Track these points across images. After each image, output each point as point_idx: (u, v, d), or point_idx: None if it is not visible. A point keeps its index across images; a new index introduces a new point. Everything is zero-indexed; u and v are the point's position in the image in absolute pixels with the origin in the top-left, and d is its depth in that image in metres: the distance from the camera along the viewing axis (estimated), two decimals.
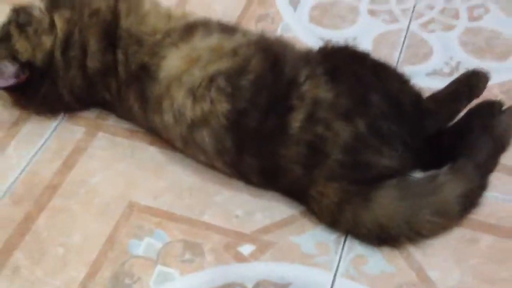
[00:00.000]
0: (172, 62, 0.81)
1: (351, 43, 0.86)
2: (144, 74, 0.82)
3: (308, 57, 0.80)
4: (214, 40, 0.82)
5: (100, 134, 0.91)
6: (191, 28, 0.84)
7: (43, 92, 0.89)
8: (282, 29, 1.07)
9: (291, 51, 0.82)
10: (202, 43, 0.82)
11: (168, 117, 0.80)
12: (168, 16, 0.87)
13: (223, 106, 0.77)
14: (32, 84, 0.88)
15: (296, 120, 0.74)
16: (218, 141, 0.78)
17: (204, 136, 0.78)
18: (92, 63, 0.86)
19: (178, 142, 0.83)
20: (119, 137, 0.90)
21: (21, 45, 0.87)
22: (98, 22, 0.87)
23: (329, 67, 0.76)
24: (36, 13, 0.89)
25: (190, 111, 0.78)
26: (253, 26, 1.07)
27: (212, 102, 0.77)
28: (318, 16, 1.09)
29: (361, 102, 0.74)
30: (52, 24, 0.89)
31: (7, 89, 0.89)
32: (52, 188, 0.84)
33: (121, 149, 0.89)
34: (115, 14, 0.87)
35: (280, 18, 1.09)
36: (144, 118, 0.85)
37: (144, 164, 0.87)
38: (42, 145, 0.90)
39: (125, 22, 0.86)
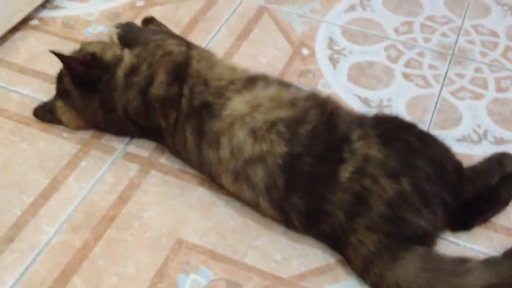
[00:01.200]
0: (237, 104, 0.91)
1: (386, 103, 0.96)
2: (206, 110, 0.92)
3: (361, 120, 0.91)
4: (273, 90, 0.93)
5: (153, 172, 0.99)
6: (252, 80, 0.95)
7: (100, 98, 0.98)
8: (322, 85, 1.15)
9: (343, 111, 0.93)
10: (263, 92, 0.93)
11: (225, 152, 0.89)
12: (233, 68, 0.99)
13: (281, 148, 0.86)
14: (91, 82, 0.97)
15: (346, 171, 0.84)
16: (270, 178, 0.86)
17: (258, 172, 0.87)
18: (156, 90, 0.95)
19: (228, 176, 0.91)
20: (170, 176, 0.98)
21: (92, 46, 1.02)
22: (169, 61, 0.97)
23: (381, 132, 0.87)
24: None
25: (250, 148, 0.88)
26: (295, 80, 1.16)
27: (271, 143, 0.87)
28: (356, 76, 1.18)
29: (408, 164, 0.84)
30: (121, 54, 1.01)
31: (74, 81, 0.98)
32: (108, 219, 0.92)
33: (171, 188, 0.97)
34: (187, 58, 0.98)
35: (320, 75, 1.18)
36: (196, 150, 0.94)
37: (192, 203, 0.95)
38: (100, 178, 0.98)
39: (196, 65, 0.96)
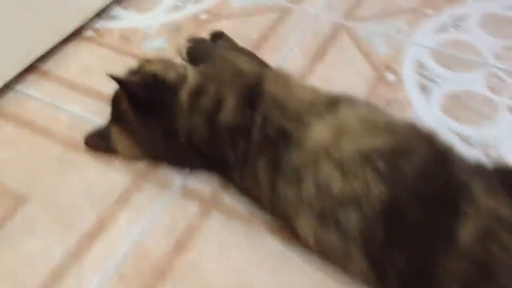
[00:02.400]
0: (319, 131, 0.75)
1: (490, 143, 0.79)
2: (282, 140, 0.77)
3: (481, 168, 0.74)
4: (362, 111, 0.77)
5: (215, 213, 0.85)
6: (336, 100, 0.80)
7: (162, 123, 0.84)
8: (412, 118, 1.00)
9: (457, 152, 0.75)
10: (349, 113, 0.77)
11: (308, 189, 0.73)
12: (314, 90, 0.83)
13: (379, 190, 0.69)
14: (153, 106, 0.84)
15: (467, 230, 0.66)
16: (367, 226, 0.69)
17: (351, 216, 0.70)
18: (225, 118, 0.81)
19: (309, 219, 0.75)
20: (235, 220, 0.84)
21: (151, 65, 0.88)
22: (240, 82, 0.83)
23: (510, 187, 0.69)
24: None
25: (338, 185, 0.71)
26: None
27: (366, 181, 0.70)
28: (451, 107, 1.01)
29: None
30: (185, 73, 0.88)
31: (132, 102, 0.85)
32: (161, 270, 0.78)
33: (236, 234, 0.82)
34: (260, 79, 0.83)
35: (409, 105, 1.02)
36: (269, 187, 0.78)
37: (260, 256, 0.80)
38: (154, 218, 0.84)
39: (271, 88, 0.82)
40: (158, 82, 0.85)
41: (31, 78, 1.05)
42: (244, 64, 0.88)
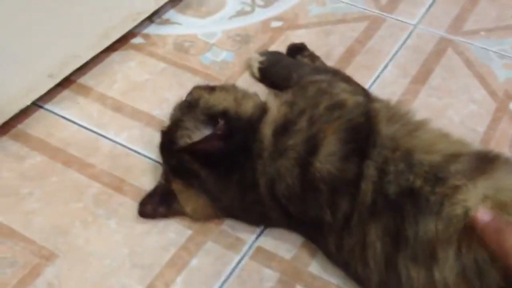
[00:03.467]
0: (472, 197, 0.53)
1: None
2: (411, 203, 0.55)
3: None
4: None
5: (298, 287, 0.64)
6: (485, 157, 0.57)
7: (240, 173, 0.63)
8: None
9: None
10: (508, 179, 0.54)
11: (445, 272, 0.52)
12: (445, 134, 0.61)
13: None
14: (230, 156, 0.63)
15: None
16: None
17: None
18: (323, 165, 0.59)
19: None
20: None
21: (215, 97, 0.67)
22: (343, 119, 0.61)
23: None
24: None
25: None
26: (506, 151, 0.78)
27: None
28: None
29: None
30: (264, 103, 0.68)
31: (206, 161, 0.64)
32: None
33: None
34: (370, 116, 0.62)
35: None
36: (384, 265, 0.56)
37: None
38: None
39: (386, 129, 0.60)
40: (232, 121, 0.64)
41: (66, 94, 0.85)
42: (345, 94, 0.66)
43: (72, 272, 0.64)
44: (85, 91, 0.85)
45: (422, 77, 0.89)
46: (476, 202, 0.52)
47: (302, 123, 0.62)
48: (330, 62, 0.90)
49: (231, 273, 0.65)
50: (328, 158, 0.59)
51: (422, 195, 0.54)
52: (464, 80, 0.88)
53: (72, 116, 0.82)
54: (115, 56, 0.91)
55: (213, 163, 0.63)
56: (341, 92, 0.67)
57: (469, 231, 0.51)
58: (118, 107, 0.83)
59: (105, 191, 0.72)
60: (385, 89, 0.86)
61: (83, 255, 0.66)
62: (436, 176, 0.55)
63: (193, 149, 0.63)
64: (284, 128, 0.63)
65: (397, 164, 0.57)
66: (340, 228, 0.60)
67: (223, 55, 0.92)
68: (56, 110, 0.83)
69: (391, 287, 0.57)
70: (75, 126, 0.80)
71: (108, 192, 0.72)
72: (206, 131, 0.64)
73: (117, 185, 0.72)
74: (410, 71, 0.89)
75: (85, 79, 0.87)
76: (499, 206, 0.52)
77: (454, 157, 0.56)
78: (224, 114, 0.64)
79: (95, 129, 0.80)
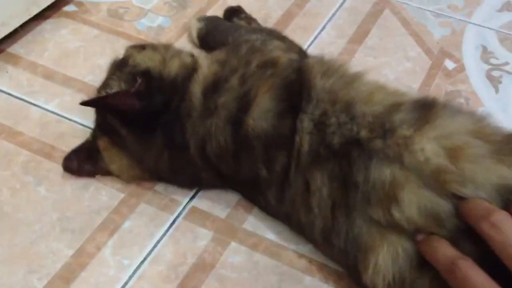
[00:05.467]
0: (426, 145, 0.52)
1: None
2: (358, 151, 0.54)
3: None
4: (465, 121, 0.54)
5: (234, 245, 0.63)
6: (424, 104, 0.56)
7: (164, 133, 0.62)
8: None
9: None
10: (451, 124, 0.54)
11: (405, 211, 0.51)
12: (381, 87, 0.60)
13: None
14: (152, 115, 0.62)
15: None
16: None
17: None
18: (257, 123, 0.58)
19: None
20: (261, 254, 0.62)
21: (142, 56, 0.65)
22: (276, 76, 0.60)
23: None
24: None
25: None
26: None
27: None
28: None
29: None
30: (194, 62, 0.66)
31: (123, 121, 0.62)
32: None
33: (264, 275, 0.60)
34: (302, 70, 0.61)
35: (477, 100, 0.80)
36: (331, 209, 0.55)
37: None
38: (152, 250, 0.62)
39: (321, 82, 0.59)
40: (154, 80, 0.62)
41: None
42: (277, 51, 0.66)
43: (0, 239, 0.63)
44: (15, 59, 0.83)
45: (359, 37, 0.89)
46: (433, 151, 0.51)
47: (234, 81, 0.61)
48: (268, 25, 0.89)
49: (164, 234, 0.64)
50: (261, 115, 0.58)
51: (370, 145, 0.53)
52: (400, 39, 0.89)
53: (1, 85, 0.79)
54: (46, 24, 0.88)
55: (131, 122, 0.61)
56: (274, 49, 0.66)
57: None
58: (49, 75, 0.81)
59: (35, 158, 0.70)
60: (323, 50, 0.86)
61: (11, 222, 0.64)
62: (383, 127, 0.54)
63: (101, 104, 0.61)
64: (214, 86, 0.61)
65: (338, 116, 0.56)
66: (280, 181, 0.59)
67: (159, 20, 0.90)
68: None
69: (336, 232, 0.56)
70: (4, 95, 0.78)
71: (37, 159, 0.70)
72: None
73: (47, 152, 0.70)
74: (347, 32, 0.89)
75: (15, 48, 0.84)
76: (455, 151, 0.51)
77: (395, 106, 0.56)
78: (146, 73, 0.62)
79: (24, 97, 0.77)
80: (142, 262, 0.61)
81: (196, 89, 0.62)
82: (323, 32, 0.89)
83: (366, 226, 0.53)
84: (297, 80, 0.60)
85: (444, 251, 0.48)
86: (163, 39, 0.87)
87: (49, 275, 0.60)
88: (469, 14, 0.93)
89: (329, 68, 0.61)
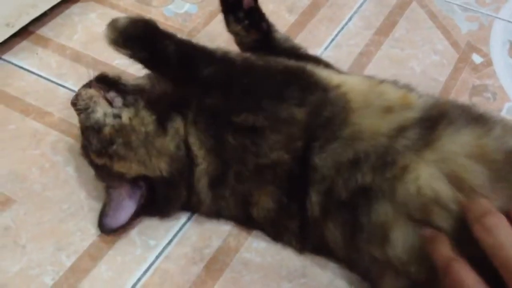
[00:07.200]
0: (421, 174, 0.51)
1: None
2: (363, 198, 0.54)
3: None
4: (469, 139, 0.52)
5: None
6: (431, 120, 0.54)
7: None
8: (508, 111, 0.77)
9: None
10: (453, 145, 0.52)
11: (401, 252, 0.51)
12: (386, 107, 0.56)
13: None
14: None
15: None
16: None
17: None
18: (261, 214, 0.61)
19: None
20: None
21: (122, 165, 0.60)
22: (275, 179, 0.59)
23: None
24: None
25: None
26: (466, 100, 0.79)
27: None
28: None
29: None
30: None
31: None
32: None
33: (289, 261, 0.62)
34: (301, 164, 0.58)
35: (503, 94, 0.79)
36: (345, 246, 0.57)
37: None
38: (177, 232, 0.64)
39: (324, 156, 0.56)
40: (153, 183, 0.62)
41: (24, 45, 0.83)
42: (275, 152, 0.60)
43: (29, 217, 0.64)
44: (44, 41, 0.84)
45: (385, 29, 0.89)
46: (427, 179, 0.51)
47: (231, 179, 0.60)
48: (294, 15, 0.89)
49: (190, 217, 0.64)
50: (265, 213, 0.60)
51: (373, 187, 0.53)
52: (427, 31, 0.88)
53: (31, 66, 0.80)
54: (75, 8, 0.89)
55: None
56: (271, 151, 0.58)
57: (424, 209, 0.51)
58: (77, 58, 0.82)
59: (63, 139, 0.71)
60: (349, 41, 0.86)
61: (40, 200, 0.65)
62: (385, 160, 0.53)
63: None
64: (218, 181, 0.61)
65: (343, 174, 0.55)
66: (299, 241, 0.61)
67: (186, 7, 0.90)
68: (14, 60, 0.81)
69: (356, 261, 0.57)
70: (34, 76, 0.79)
71: (66, 140, 0.71)
72: None
73: (76, 133, 0.71)
74: (374, 23, 0.89)
75: (45, 30, 0.85)
76: (451, 177, 0.50)
77: (399, 130, 0.54)
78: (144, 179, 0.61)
79: (53, 78, 0.79)
80: (169, 243, 0.62)
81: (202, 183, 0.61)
82: (349, 23, 0.89)
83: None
84: (297, 173, 0.58)
85: (441, 251, 0.48)
86: (190, 25, 0.87)
87: (77, 253, 0.61)
88: (497, 9, 0.93)
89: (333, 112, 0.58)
